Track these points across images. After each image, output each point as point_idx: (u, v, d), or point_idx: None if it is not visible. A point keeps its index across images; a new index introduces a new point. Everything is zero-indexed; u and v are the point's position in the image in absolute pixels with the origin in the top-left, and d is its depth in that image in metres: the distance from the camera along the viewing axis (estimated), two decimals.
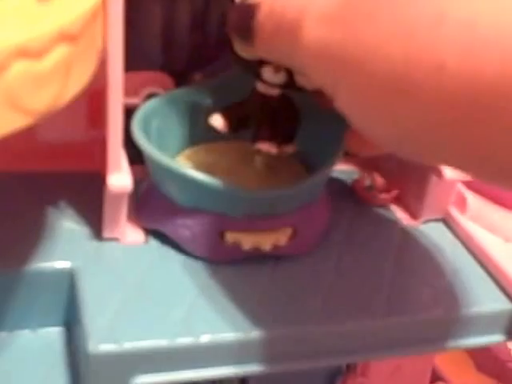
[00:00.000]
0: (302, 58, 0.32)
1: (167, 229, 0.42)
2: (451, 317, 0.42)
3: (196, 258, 0.42)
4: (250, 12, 0.34)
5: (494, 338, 0.45)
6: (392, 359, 0.66)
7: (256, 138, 0.41)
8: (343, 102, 0.31)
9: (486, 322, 0.44)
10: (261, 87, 0.40)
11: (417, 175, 0.48)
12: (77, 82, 0.32)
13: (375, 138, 0.31)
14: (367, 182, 0.49)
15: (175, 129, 0.45)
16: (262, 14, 0.34)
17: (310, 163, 0.45)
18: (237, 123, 0.42)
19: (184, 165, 0.44)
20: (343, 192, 0.50)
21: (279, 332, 0.39)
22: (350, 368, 0.67)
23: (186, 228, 0.41)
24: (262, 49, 0.35)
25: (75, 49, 0.31)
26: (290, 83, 0.39)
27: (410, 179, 0.49)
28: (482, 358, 0.90)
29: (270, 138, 0.41)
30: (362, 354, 0.41)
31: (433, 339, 0.43)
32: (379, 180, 0.49)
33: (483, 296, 0.44)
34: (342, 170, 0.52)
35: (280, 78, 0.39)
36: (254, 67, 0.39)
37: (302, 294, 0.41)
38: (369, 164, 0.52)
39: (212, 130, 0.42)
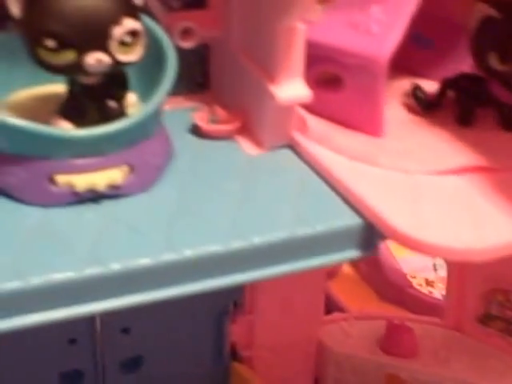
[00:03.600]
0: None
1: None
2: (300, 236, 0.43)
3: (29, 205, 0.42)
4: None
5: (350, 254, 0.45)
6: (277, 293, 0.67)
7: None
8: None
9: (339, 238, 0.44)
10: (83, 79, 0.41)
11: (255, 103, 0.48)
12: None
13: None
14: (209, 116, 0.49)
15: None
16: None
17: None
18: (82, 117, 0.42)
19: (3, 112, 0.43)
20: (186, 128, 0.50)
21: (119, 269, 0.39)
22: (237, 306, 0.68)
23: (12, 175, 0.41)
24: None
25: None
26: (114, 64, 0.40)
27: (249, 109, 0.49)
28: (382, 287, 0.92)
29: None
30: (216, 277, 0.41)
31: (284, 259, 0.43)
32: (221, 112, 0.49)
33: (332, 213, 0.44)
34: (185, 107, 0.52)
35: (105, 64, 0.40)
36: (71, 66, 0.39)
37: (143, 228, 0.41)
38: (210, 98, 0.52)
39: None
